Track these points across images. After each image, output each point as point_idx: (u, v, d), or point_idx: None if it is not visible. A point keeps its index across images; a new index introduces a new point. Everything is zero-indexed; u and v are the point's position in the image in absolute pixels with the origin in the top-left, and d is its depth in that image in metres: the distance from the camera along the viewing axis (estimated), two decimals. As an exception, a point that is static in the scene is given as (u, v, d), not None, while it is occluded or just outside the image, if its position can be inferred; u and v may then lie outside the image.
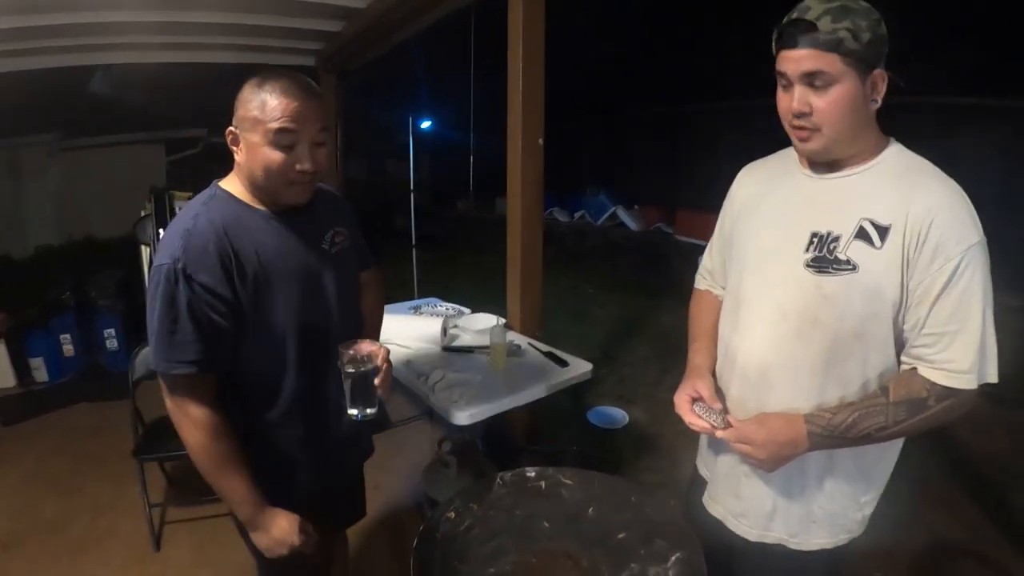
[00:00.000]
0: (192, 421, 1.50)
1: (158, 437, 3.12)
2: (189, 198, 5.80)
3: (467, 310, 3.57)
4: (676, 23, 8.46)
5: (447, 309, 3.67)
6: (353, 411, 1.69)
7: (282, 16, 4.76)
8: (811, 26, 1.24)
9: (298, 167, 1.49)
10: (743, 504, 1.59)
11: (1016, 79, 6.25)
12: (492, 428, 3.29)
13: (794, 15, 1.28)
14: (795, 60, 1.29)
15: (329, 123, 1.57)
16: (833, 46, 1.24)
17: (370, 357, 1.67)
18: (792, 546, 1.55)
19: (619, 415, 4.55)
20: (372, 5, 4.49)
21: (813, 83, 1.28)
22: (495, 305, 3.48)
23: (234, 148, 1.54)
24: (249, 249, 1.52)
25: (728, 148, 7.97)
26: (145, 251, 5.33)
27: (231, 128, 1.52)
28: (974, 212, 1.30)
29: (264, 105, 1.44)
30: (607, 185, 9.31)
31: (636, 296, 7.44)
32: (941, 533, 3.30)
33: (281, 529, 1.63)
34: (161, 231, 5.00)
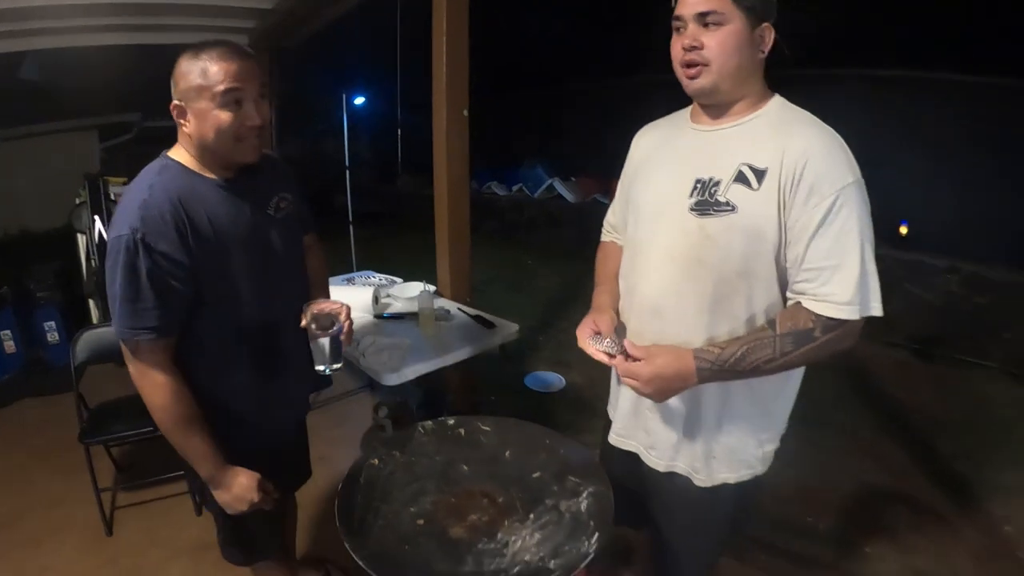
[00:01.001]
0: (155, 384, 1.58)
1: (103, 421, 3.12)
2: (124, 183, 5.55)
3: (399, 280, 3.64)
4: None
5: (380, 279, 3.74)
6: (321, 367, 1.79)
7: None
8: None
9: (248, 123, 1.57)
10: (651, 437, 1.72)
11: (948, 54, 6.56)
12: (429, 393, 3.39)
13: None
14: (692, 3, 1.40)
15: (266, 79, 1.64)
16: None
17: (334, 316, 1.79)
18: (698, 483, 1.67)
19: (555, 379, 4.67)
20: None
21: (706, 22, 1.39)
22: (433, 276, 3.56)
23: (181, 121, 1.60)
24: (202, 216, 1.59)
25: (658, 119, 8.17)
26: (82, 240, 5.20)
27: (175, 102, 1.57)
28: (850, 155, 1.40)
29: (206, 72, 1.51)
30: (544, 158, 9.33)
31: (574, 264, 7.52)
32: (870, 479, 3.49)
33: (241, 486, 1.72)
34: (97, 218, 4.96)
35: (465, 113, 3.21)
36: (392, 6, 5.08)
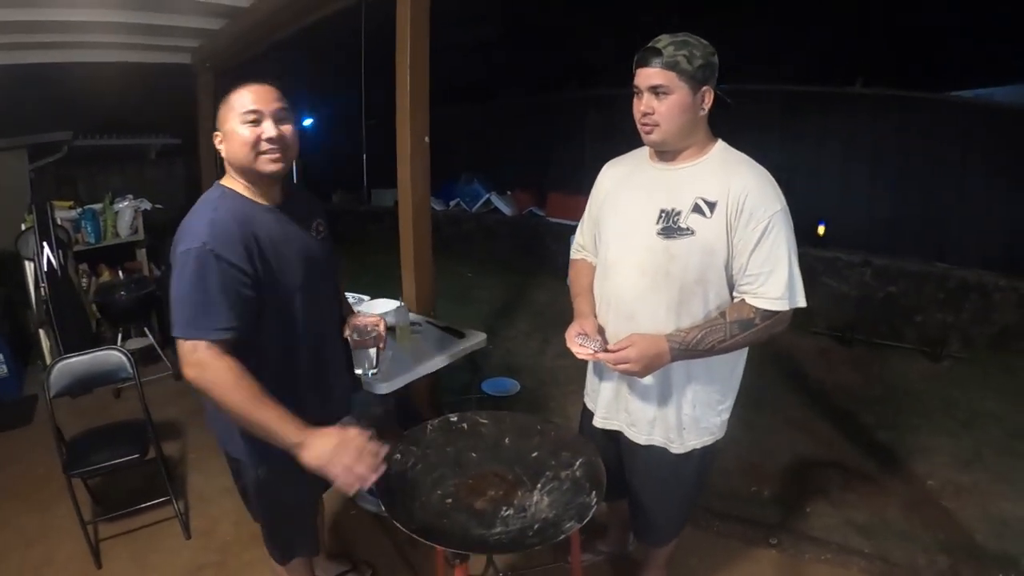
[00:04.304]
0: (219, 370, 1.64)
1: (83, 452, 3.06)
2: (71, 207, 5.42)
3: (366, 297, 3.81)
4: (546, 17, 8.88)
5: (348, 297, 3.89)
6: (359, 371, 2.11)
7: (159, 13, 4.69)
8: (658, 52, 1.75)
9: (264, 136, 1.75)
10: (632, 416, 2.10)
11: (855, 71, 7.09)
12: (400, 404, 3.59)
13: (649, 44, 1.78)
14: (645, 75, 1.79)
15: (288, 106, 1.84)
16: (671, 66, 1.74)
17: (371, 327, 2.08)
18: (673, 450, 2.06)
19: (511, 384, 4.87)
20: (257, 4, 4.58)
21: (656, 92, 1.78)
22: (378, 289, 3.78)
23: (220, 148, 1.83)
24: (264, 234, 1.79)
25: (592, 134, 8.49)
26: (29, 266, 4.97)
27: (216, 131, 1.83)
28: (778, 188, 1.82)
29: (237, 99, 1.76)
30: (480, 173, 9.43)
31: (513, 276, 7.77)
32: (804, 451, 3.89)
33: (327, 438, 1.65)
34: (45, 244, 4.72)
35: (426, 140, 3.43)
36: (329, 31, 5.15)
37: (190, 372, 1.68)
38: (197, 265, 1.65)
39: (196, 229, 1.70)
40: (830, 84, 7.04)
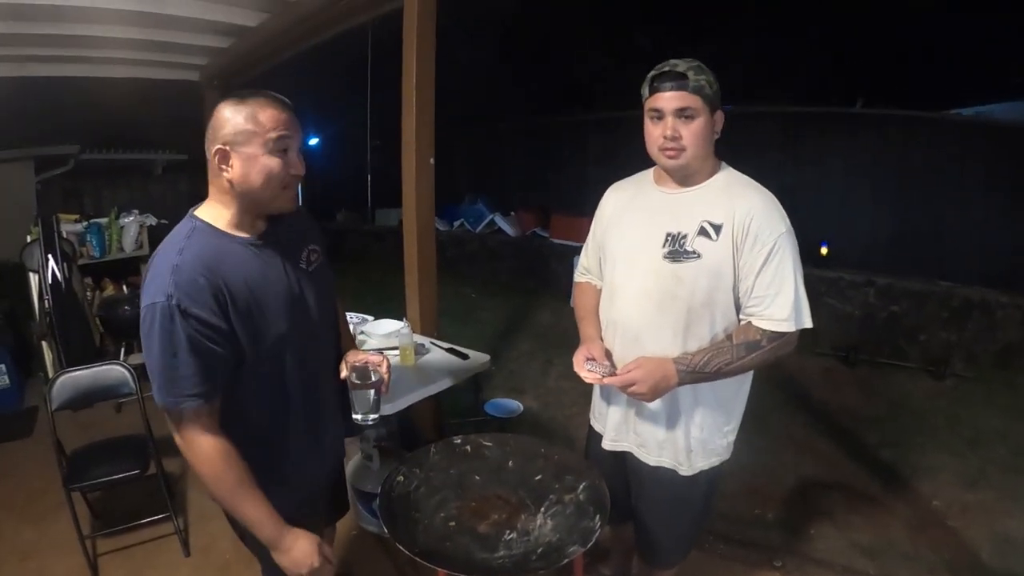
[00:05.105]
0: (203, 453, 1.53)
1: (84, 465, 3.06)
2: (76, 220, 5.41)
3: (370, 317, 3.81)
4: (548, 40, 8.95)
5: (352, 317, 3.90)
6: (357, 416, 1.88)
7: (167, 30, 4.70)
8: (683, 76, 1.75)
9: (292, 171, 1.56)
10: (641, 438, 2.08)
11: (855, 91, 7.20)
12: (403, 425, 3.59)
13: (666, 68, 1.78)
14: (670, 99, 1.78)
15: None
16: (697, 90, 1.75)
17: (374, 368, 1.87)
18: (682, 473, 2.04)
19: (514, 405, 4.81)
20: (265, 24, 4.62)
21: (682, 116, 1.78)
22: (380, 307, 3.80)
23: (223, 167, 1.54)
24: (239, 280, 1.54)
25: (595, 156, 8.57)
26: (34, 279, 4.93)
27: (219, 147, 1.52)
28: (782, 210, 1.83)
29: (256, 118, 1.50)
30: (484, 194, 9.39)
31: (516, 297, 7.75)
32: (808, 473, 3.88)
33: (302, 550, 1.68)
34: (50, 256, 4.70)
35: (431, 161, 3.44)
36: (334, 51, 5.19)
37: (177, 441, 1.57)
38: (163, 323, 1.45)
39: (160, 278, 1.47)
40: (831, 104, 7.09)
